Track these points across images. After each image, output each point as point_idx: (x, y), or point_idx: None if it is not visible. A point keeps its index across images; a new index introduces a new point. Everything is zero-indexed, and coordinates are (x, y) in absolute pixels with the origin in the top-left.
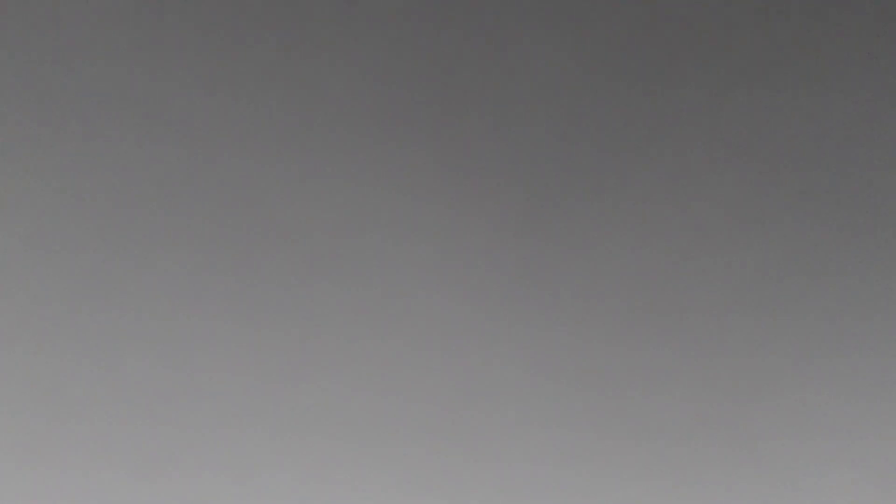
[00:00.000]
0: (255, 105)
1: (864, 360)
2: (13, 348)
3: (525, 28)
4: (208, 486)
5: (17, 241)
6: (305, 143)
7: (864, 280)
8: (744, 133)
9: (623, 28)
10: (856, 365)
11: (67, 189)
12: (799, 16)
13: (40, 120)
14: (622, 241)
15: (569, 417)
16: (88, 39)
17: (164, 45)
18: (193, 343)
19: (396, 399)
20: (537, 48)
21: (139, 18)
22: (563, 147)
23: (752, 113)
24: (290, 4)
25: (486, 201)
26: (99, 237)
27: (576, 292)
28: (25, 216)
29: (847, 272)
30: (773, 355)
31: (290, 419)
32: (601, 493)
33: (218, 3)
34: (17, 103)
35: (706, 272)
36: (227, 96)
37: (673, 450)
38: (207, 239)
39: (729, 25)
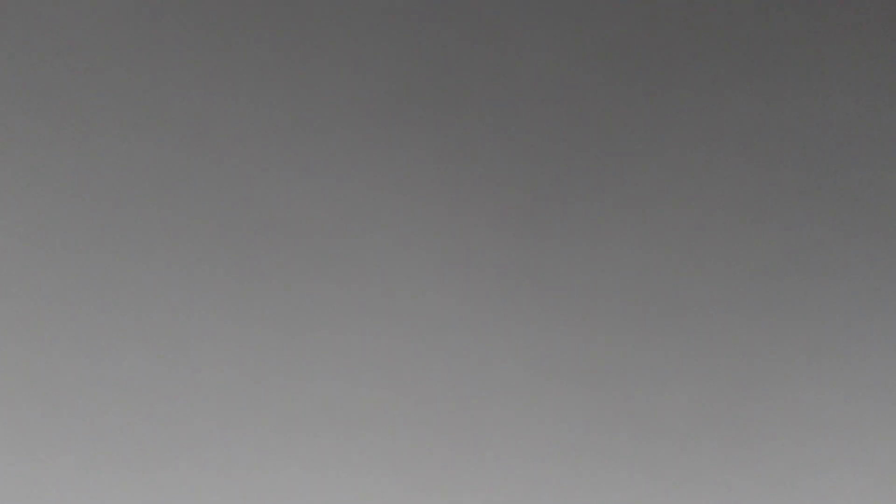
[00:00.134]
0: (254, 103)
1: (865, 359)
2: (10, 346)
3: (524, 27)
4: (205, 483)
5: (14, 239)
6: (304, 142)
7: (865, 278)
8: (744, 132)
9: (623, 27)
10: (857, 364)
11: (64, 186)
12: (799, 14)
13: (38, 118)
14: (622, 240)
15: (569, 416)
16: (87, 38)
17: (164, 45)
18: (191, 341)
19: (396, 397)
20: (537, 47)
21: (138, 17)
22: (563, 146)
23: (752, 112)
24: (289, 3)
25: (485, 200)
26: (97, 236)
27: (576, 291)
28: (23, 214)
29: (848, 271)
30: (774, 354)
31: (288, 418)
32: (602, 492)
33: (216, 2)
34: (15, 102)
35: (706, 271)
36: (225, 95)
37: (673, 448)
38: (206, 237)
39: (728, 25)
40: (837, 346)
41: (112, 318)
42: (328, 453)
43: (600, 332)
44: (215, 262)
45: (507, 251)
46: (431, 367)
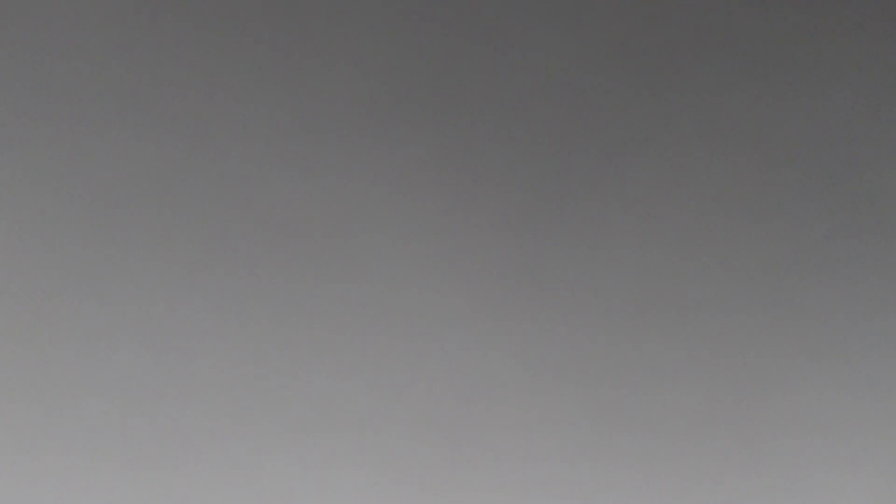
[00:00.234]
0: (254, 103)
1: (866, 358)
2: (9, 345)
3: (524, 27)
4: (204, 482)
5: (13, 238)
6: (304, 141)
7: (865, 278)
8: (743, 131)
9: (623, 27)
10: (858, 362)
11: (64, 185)
12: (799, 14)
13: (36, 116)
14: (623, 239)
15: (569, 415)
16: (86, 36)
17: (163, 44)
18: (190, 339)
19: (395, 396)
20: (537, 47)
21: (138, 17)
22: (563, 145)
23: (752, 111)
24: (288, 3)
25: (485, 199)
26: (97, 235)
27: (576, 289)
28: (21, 213)
29: (849, 270)
30: (774, 353)
31: (287, 416)
32: (602, 491)
33: (216, 1)
34: (13, 100)
35: (707, 270)
36: (225, 95)
37: (674, 447)
38: (205, 236)
39: (729, 25)
40: (838, 345)
41: (111, 317)
42: (327, 452)
43: (601, 331)
44: (215, 262)
45: (507, 250)
46: (431, 366)
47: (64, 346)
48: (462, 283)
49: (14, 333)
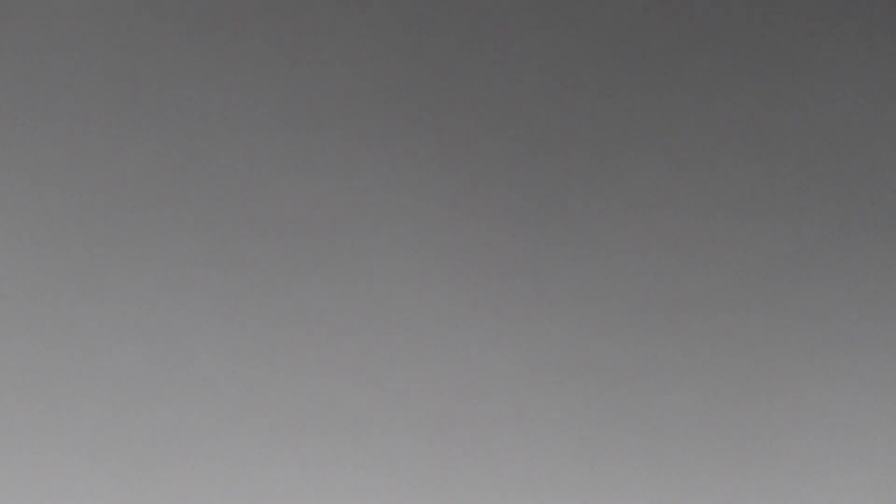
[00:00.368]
0: (254, 102)
1: (868, 357)
2: (9, 345)
3: (524, 26)
4: (203, 482)
5: (12, 237)
6: (303, 140)
7: (867, 277)
8: (744, 131)
9: (623, 26)
10: (860, 362)
11: (64, 184)
12: (799, 11)
13: (34, 114)
14: (623, 239)
15: (569, 413)
16: (85, 35)
17: (163, 43)
18: (188, 339)
19: (394, 394)
20: (536, 44)
21: (137, 12)
22: (563, 144)
23: (752, 111)
24: (288, 2)
25: (484, 196)
26: (97, 234)
27: (575, 288)
28: (20, 212)
29: (851, 269)
30: (775, 352)
31: (286, 416)
32: (603, 491)
33: (216, 1)
34: (13, 99)
35: (707, 269)
36: (225, 93)
37: (674, 447)
38: (205, 235)
39: (729, 24)
40: (839, 344)
41: (110, 316)
42: (326, 451)
43: (600, 330)
44: (214, 260)
45: (506, 249)
46: (430, 365)
47: (61, 344)
48: (461, 282)
49: (13, 333)
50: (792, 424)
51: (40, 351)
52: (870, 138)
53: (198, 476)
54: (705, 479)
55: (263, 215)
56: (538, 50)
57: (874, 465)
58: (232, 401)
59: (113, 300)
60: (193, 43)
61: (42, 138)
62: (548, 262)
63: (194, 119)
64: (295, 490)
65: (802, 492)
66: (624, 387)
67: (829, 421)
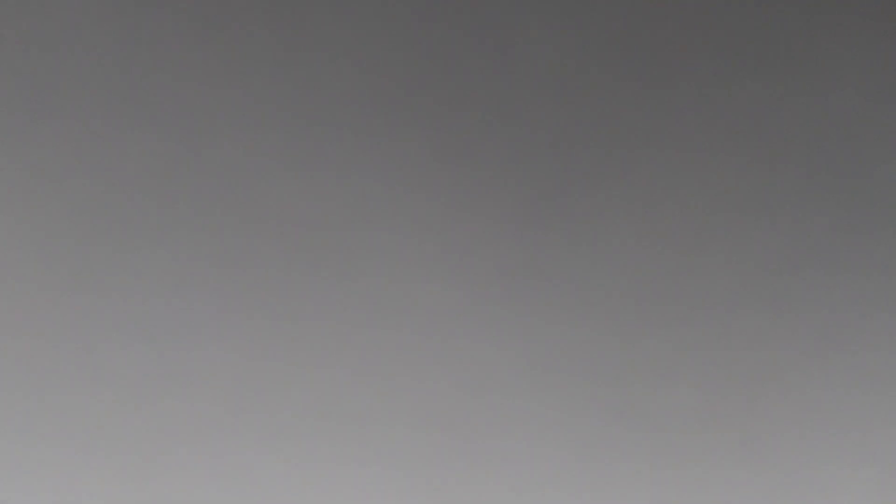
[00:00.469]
0: (255, 101)
1: (869, 355)
2: (8, 344)
3: (526, 24)
4: (202, 480)
5: (10, 235)
6: (305, 138)
7: (869, 275)
8: (745, 128)
9: (625, 24)
10: (861, 360)
11: (61, 181)
12: (798, 9)
13: (37, 115)
14: (625, 236)
15: (570, 412)
16: (85, 34)
17: (164, 42)
18: (189, 337)
19: (394, 393)
20: (539, 43)
21: (138, 12)
22: (565, 142)
23: (754, 109)
24: (289, 1)
25: (486, 195)
26: (97, 233)
27: (577, 286)
28: (20, 211)
29: (852, 267)
30: (777, 350)
31: (286, 414)
32: (603, 489)
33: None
34: (13, 99)
35: (709, 267)
36: (222, 90)
37: (675, 445)
38: (203, 233)
39: (731, 22)
40: (840, 343)
41: (110, 314)
42: (326, 449)
43: (602, 329)
44: (214, 259)
45: (507, 247)
46: (431, 363)
47: (61, 343)
48: (463, 280)
49: (14, 333)
50: (792, 423)
51: (40, 350)
52: (870, 138)
53: (198, 474)
54: (705, 478)
55: (264, 214)
56: (539, 49)
57: (874, 465)
58: (232, 399)
59: (113, 299)
60: (194, 43)
61: (42, 138)
62: (548, 261)
63: (194, 118)
64: (295, 489)
65: (802, 491)
66: (624, 386)
67: (830, 419)
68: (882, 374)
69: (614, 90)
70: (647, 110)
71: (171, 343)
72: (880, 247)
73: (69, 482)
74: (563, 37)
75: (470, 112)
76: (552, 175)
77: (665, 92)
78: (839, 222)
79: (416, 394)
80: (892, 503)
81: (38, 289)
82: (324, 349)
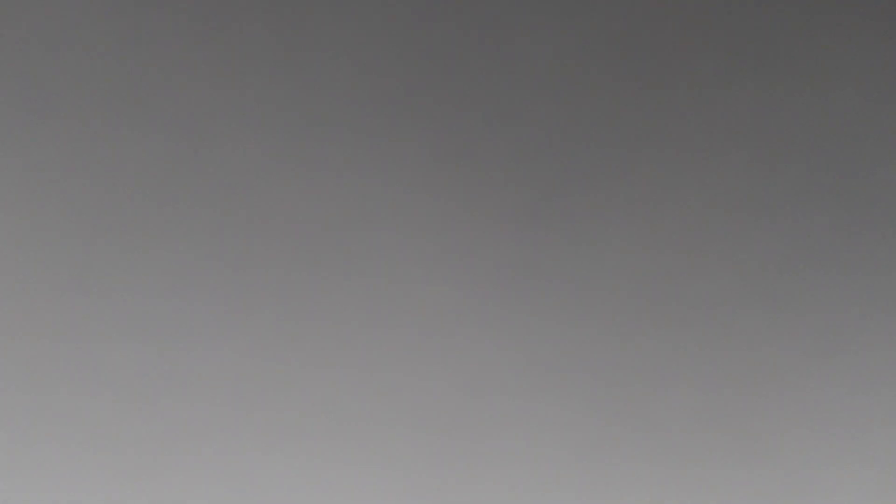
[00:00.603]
0: (255, 101)
1: (870, 356)
2: (7, 344)
3: (526, 23)
4: (201, 480)
5: (10, 235)
6: (305, 138)
7: (869, 275)
8: (745, 128)
9: (625, 24)
10: (862, 361)
11: (61, 181)
12: (798, 9)
13: (34, 114)
14: (625, 237)
15: (570, 412)
16: (85, 33)
17: (164, 42)
18: (190, 337)
19: (394, 394)
20: (539, 43)
21: (137, 11)
22: (565, 142)
23: (755, 109)
24: (289, 1)
25: (486, 195)
26: (97, 233)
27: (576, 286)
28: (20, 211)
29: (852, 267)
30: (777, 350)
31: (286, 415)
32: (603, 489)
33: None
34: (12, 99)
35: (709, 267)
36: (223, 90)
37: (675, 445)
38: (204, 232)
39: (731, 22)
40: (840, 343)
41: (109, 314)
42: (325, 449)
43: (602, 329)
44: (214, 259)
45: (507, 248)
46: (432, 363)
47: (61, 343)
48: (463, 280)
49: (14, 333)
50: (792, 423)
51: (40, 350)
52: (870, 138)
53: (198, 474)
54: (705, 478)
55: (264, 214)
56: (539, 49)
57: (874, 465)
58: (232, 399)
59: (113, 299)
60: (194, 43)
61: (42, 138)
62: (548, 261)
63: (194, 118)
64: (296, 489)
65: (802, 491)
66: (624, 386)
67: (830, 420)
68: (882, 374)
69: (614, 90)
70: (647, 110)
71: (172, 343)
72: (880, 247)
73: (69, 482)
74: (563, 37)
75: (470, 112)
76: (552, 175)
77: (665, 92)
78: (839, 222)
79: (415, 393)
80: (892, 503)
81: (38, 289)
82: (324, 349)
